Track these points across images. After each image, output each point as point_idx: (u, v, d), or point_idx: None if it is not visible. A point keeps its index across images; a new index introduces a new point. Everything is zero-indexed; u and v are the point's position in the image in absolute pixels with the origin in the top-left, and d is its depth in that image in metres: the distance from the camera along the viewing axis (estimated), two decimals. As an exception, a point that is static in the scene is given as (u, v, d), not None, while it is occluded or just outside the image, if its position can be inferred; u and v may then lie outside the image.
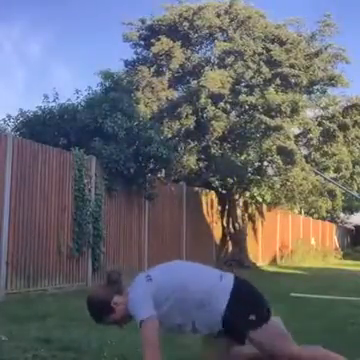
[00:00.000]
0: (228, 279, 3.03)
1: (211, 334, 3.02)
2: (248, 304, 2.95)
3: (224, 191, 15.83)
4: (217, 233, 15.80)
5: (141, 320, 2.79)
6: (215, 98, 14.34)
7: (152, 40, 15.15)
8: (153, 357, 2.76)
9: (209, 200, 15.54)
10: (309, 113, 16.36)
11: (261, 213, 18.87)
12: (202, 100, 14.11)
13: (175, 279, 2.98)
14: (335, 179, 18.40)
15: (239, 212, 16.44)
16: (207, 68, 15.03)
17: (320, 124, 15.82)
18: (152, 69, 15.08)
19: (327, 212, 23.90)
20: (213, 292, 2.93)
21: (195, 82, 14.85)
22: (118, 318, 2.98)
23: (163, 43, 14.83)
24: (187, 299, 2.90)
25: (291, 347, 2.97)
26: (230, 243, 16.22)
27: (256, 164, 15.62)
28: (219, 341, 3.04)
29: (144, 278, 2.96)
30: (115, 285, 2.99)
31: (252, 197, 17.12)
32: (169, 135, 13.93)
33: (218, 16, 15.47)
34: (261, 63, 14.65)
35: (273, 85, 14.66)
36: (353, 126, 16.09)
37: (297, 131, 16.16)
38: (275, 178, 15.84)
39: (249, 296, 3.01)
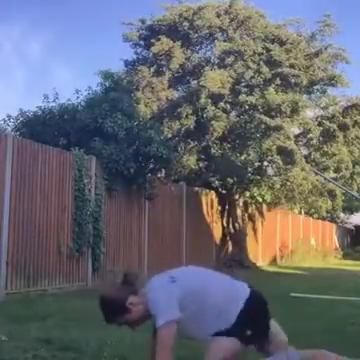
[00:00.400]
0: (244, 289, 3.02)
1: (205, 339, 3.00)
2: (253, 320, 2.92)
3: (224, 191, 15.83)
4: (217, 233, 15.80)
5: (164, 321, 2.75)
6: (215, 98, 14.34)
7: (152, 40, 15.14)
8: (166, 359, 2.75)
9: (209, 200, 15.54)
10: (309, 113, 16.37)
11: (261, 213, 18.86)
12: (202, 100, 14.11)
13: (199, 283, 2.95)
14: (335, 179, 18.41)
15: (239, 212, 16.44)
16: (207, 68, 15.03)
17: (320, 124, 15.82)
18: (152, 69, 15.07)
19: (327, 212, 23.90)
20: (230, 301, 2.92)
21: (195, 82, 14.84)
22: (134, 319, 2.93)
23: (163, 43, 14.83)
24: (208, 305, 2.88)
25: None
26: (230, 243, 16.22)
27: (256, 164, 15.62)
28: None
29: (168, 279, 2.91)
30: (131, 286, 2.95)
31: (252, 197, 17.12)
32: (169, 135, 13.93)
33: (218, 16, 15.47)
34: (261, 63, 14.65)
35: (273, 85, 14.66)
36: (353, 126, 16.09)
37: (297, 131, 16.16)
38: (275, 178, 15.84)
39: (258, 312, 2.98)
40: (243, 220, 16.86)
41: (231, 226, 16.14)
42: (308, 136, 15.94)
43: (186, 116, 14.37)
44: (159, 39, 14.91)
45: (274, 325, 3.14)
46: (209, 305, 2.88)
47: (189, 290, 2.88)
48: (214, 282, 3.02)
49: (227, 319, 2.87)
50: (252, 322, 2.91)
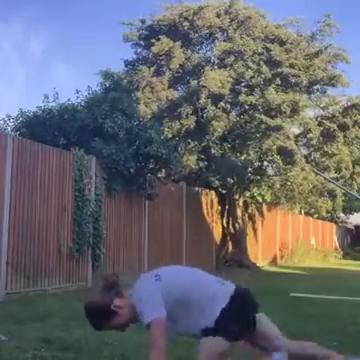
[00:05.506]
0: (229, 287, 3.06)
1: (194, 336, 3.05)
2: (236, 316, 2.95)
3: (224, 191, 15.82)
4: (217, 233, 15.79)
5: (151, 319, 2.77)
6: (215, 98, 14.33)
7: (152, 40, 15.13)
8: (159, 357, 2.76)
9: (209, 200, 15.54)
10: (309, 113, 16.38)
11: (261, 213, 18.86)
12: (202, 100, 14.11)
13: (184, 281, 2.98)
14: (335, 179, 18.41)
15: (239, 212, 16.44)
16: (207, 68, 15.02)
17: (320, 124, 15.82)
18: (152, 69, 15.06)
19: (327, 212, 23.90)
20: (214, 298, 2.96)
21: (195, 82, 14.84)
22: (122, 321, 2.94)
23: (163, 43, 14.82)
24: (193, 302, 2.91)
25: None
26: (230, 243, 16.22)
27: (256, 164, 15.62)
28: None
29: (153, 278, 2.94)
30: (113, 289, 2.95)
31: (252, 197, 17.11)
32: (169, 135, 13.91)
33: (218, 16, 15.48)
34: (261, 63, 14.64)
35: (273, 85, 14.66)
36: (353, 126, 16.09)
37: (297, 131, 16.16)
38: (275, 178, 15.83)
39: (242, 308, 3.01)
40: (243, 220, 16.86)
41: (231, 226, 16.13)
42: (308, 136, 15.91)
43: (186, 116, 14.37)
44: (159, 39, 14.90)
45: (265, 319, 3.17)
46: (193, 302, 2.91)
47: (173, 288, 2.91)
48: (198, 280, 3.05)
49: (211, 316, 2.91)
50: (236, 318, 2.93)
